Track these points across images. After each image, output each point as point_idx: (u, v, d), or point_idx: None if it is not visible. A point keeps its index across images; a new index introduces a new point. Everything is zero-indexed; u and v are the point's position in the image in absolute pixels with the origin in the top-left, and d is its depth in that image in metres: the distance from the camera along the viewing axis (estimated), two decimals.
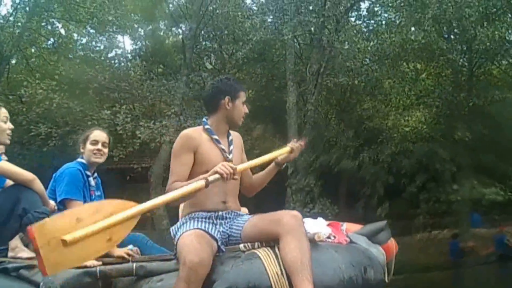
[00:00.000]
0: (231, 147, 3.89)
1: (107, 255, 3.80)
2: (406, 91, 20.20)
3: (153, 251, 4.37)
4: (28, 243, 3.97)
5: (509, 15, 16.94)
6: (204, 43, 21.79)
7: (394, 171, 18.45)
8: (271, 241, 3.46)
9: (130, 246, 4.14)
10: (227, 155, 3.80)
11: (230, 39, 21.04)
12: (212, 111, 3.91)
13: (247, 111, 3.91)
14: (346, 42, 18.47)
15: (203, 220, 3.65)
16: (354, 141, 19.41)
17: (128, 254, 3.98)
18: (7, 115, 4.07)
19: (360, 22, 20.93)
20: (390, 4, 18.05)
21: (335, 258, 3.40)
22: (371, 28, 20.24)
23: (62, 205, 4.12)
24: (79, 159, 4.55)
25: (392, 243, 4.24)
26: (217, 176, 3.38)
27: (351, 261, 3.47)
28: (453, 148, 18.60)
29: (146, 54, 22.93)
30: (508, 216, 19.12)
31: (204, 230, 3.45)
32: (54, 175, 4.36)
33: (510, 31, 17.51)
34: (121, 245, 3.96)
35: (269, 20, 18.14)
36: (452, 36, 17.67)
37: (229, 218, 3.75)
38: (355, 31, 19.37)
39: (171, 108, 18.34)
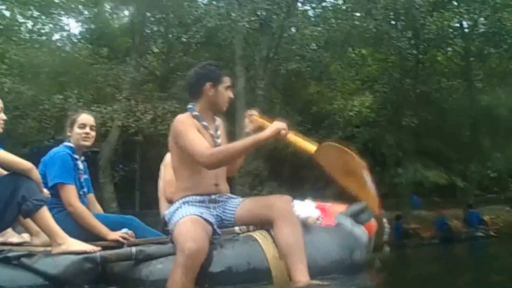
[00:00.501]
0: (218, 133, 3.92)
1: (101, 239, 3.91)
2: (352, 76, 20.63)
3: (146, 234, 4.35)
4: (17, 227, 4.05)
5: (455, 3, 17.42)
6: (151, 27, 21.65)
7: None
8: (260, 225, 3.57)
9: (125, 230, 4.11)
10: (216, 140, 3.83)
11: (177, 23, 20.89)
12: (196, 97, 3.88)
13: (231, 96, 3.88)
14: (293, 28, 18.74)
15: (197, 204, 3.67)
16: (301, 126, 19.69)
17: (124, 238, 3.99)
18: (2, 105, 4.12)
19: (308, 8, 21.06)
20: None
21: (326, 240, 3.53)
22: (318, 13, 20.40)
23: (54, 190, 4.11)
24: (66, 143, 4.49)
25: (373, 222, 4.30)
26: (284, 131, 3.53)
27: (341, 242, 3.61)
28: (399, 133, 19.03)
29: (92, 37, 22.54)
30: (448, 199, 19.78)
31: (200, 216, 3.44)
32: (42, 160, 4.32)
33: (455, 19, 18.09)
34: (115, 228, 4.06)
35: (222, 5, 18.07)
36: (400, 24, 18.03)
37: (222, 201, 3.79)
38: (303, 17, 19.55)
39: (121, 93, 18.23)
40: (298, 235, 3.38)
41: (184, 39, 19.98)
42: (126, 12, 22.44)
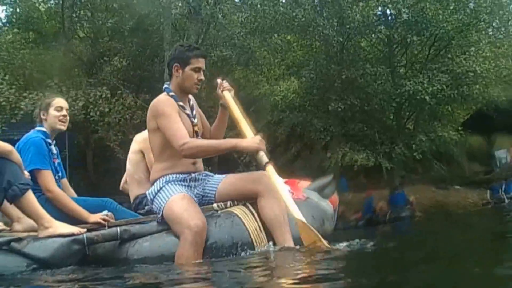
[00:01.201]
0: (194, 112, 4.08)
1: (81, 222, 3.99)
2: (278, 62, 20.93)
3: (123, 215, 4.43)
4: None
5: None
6: (78, 11, 21.20)
7: (270, 139, 19.13)
8: (244, 200, 3.81)
9: (105, 212, 4.20)
10: (193, 120, 4.00)
11: (103, 7, 20.73)
12: (170, 78, 4.06)
13: (202, 77, 3.99)
14: (220, 14, 18.77)
15: (180, 183, 3.85)
16: None
17: (104, 220, 4.06)
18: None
19: None
20: None
21: (299, 212, 3.70)
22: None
23: (31, 176, 4.09)
24: (39, 128, 4.48)
25: (335, 196, 4.59)
26: (263, 153, 3.72)
27: (312, 214, 3.88)
28: (326, 118, 19.48)
29: (18, 21, 21.99)
30: (375, 181, 20.41)
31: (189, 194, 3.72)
32: (17, 146, 4.21)
33: (380, 8, 18.61)
34: (93, 211, 4.16)
35: None
36: (326, 12, 18.41)
37: (202, 179, 3.97)
38: (231, 3, 19.71)
39: (52, 79, 17.86)
40: (283, 207, 3.62)
41: (110, 24, 19.76)
42: None
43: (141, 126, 18.29)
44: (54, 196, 4.12)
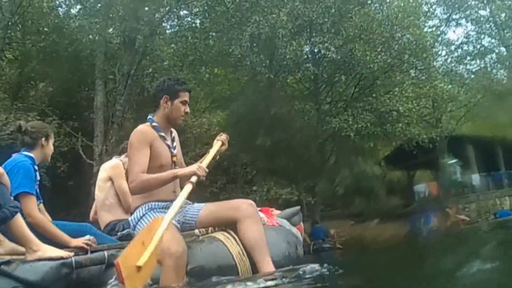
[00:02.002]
0: (174, 143, 4.21)
1: (62, 247, 3.92)
2: (204, 94, 21.34)
3: (104, 240, 4.45)
4: None
5: (308, 30, 18.60)
6: (10, 32, 20.62)
7: None
8: (225, 226, 3.99)
9: (88, 236, 4.18)
10: (173, 151, 4.12)
11: (34, 30, 20.37)
12: (155, 109, 4.18)
13: (188, 111, 4.16)
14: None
15: (161, 210, 3.95)
16: None
17: (86, 244, 4.04)
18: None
19: (167, 26, 21.41)
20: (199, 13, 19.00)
21: (276, 238, 3.96)
22: (175, 31, 20.90)
23: (16, 199, 3.95)
24: (26, 153, 4.37)
25: (301, 225, 4.80)
26: (196, 178, 3.79)
27: (288, 240, 4.13)
28: (253, 152, 19.83)
29: None
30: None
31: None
32: (3, 167, 4.00)
33: (308, 46, 19.28)
34: (73, 236, 4.13)
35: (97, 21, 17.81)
36: (257, 48, 18.87)
37: (182, 207, 4.01)
38: (164, 35, 20.01)
39: None
40: (262, 232, 3.85)
41: (39, 47, 19.65)
42: None
43: (68, 154, 18.29)
44: (36, 222, 4.06)
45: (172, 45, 19.74)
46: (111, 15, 17.81)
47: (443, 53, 27.53)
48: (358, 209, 23.77)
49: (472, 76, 26.61)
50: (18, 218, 3.64)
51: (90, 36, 19.19)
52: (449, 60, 27.82)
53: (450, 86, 22.80)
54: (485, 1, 27.60)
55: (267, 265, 3.73)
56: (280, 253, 3.95)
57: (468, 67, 28.01)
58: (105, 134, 18.28)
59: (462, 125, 27.03)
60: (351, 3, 18.11)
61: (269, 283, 3.32)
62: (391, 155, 24.33)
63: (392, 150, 24.35)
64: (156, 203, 3.98)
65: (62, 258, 3.62)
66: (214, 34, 19.40)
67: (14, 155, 4.30)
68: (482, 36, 28.87)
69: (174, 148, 4.18)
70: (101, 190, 5.52)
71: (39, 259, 3.58)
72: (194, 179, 3.81)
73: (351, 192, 22.88)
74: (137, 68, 18.52)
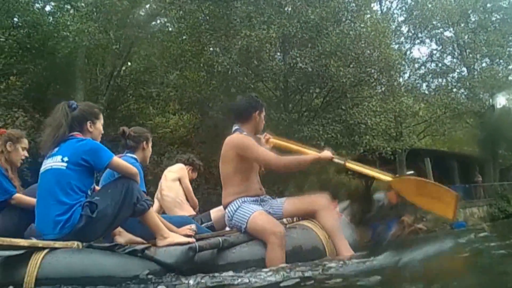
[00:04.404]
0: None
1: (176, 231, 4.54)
2: (174, 97, 22.47)
3: (199, 230, 5.00)
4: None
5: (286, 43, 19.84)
6: None
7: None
8: (306, 216, 4.81)
9: (191, 226, 4.77)
10: None
11: (8, 24, 20.26)
12: (244, 121, 5.00)
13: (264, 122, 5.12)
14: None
15: (255, 203, 4.75)
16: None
17: (189, 234, 4.56)
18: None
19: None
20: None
21: (343, 226, 4.88)
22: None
23: None
24: (131, 155, 5.17)
25: None
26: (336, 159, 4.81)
27: (349, 229, 5.06)
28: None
29: None
30: None
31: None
32: None
33: (285, 58, 20.45)
34: (178, 226, 4.70)
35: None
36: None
37: (267, 200, 4.88)
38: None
39: None
40: (337, 221, 4.68)
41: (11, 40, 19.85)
42: None
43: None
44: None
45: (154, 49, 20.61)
46: (100, 19, 18.51)
47: (408, 70, 29.28)
48: None
49: (434, 93, 28.30)
50: (151, 210, 4.31)
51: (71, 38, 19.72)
52: (412, 77, 29.73)
53: (412, 102, 24.14)
54: (449, 23, 29.35)
55: (345, 249, 4.52)
56: (350, 239, 4.74)
57: (430, 84, 29.86)
58: None
59: (421, 139, 28.82)
60: (327, 20, 19.37)
61: (353, 262, 4.10)
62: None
63: (354, 159, 25.61)
64: (247, 198, 4.77)
65: (188, 243, 4.17)
66: (186, 38, 20.44)
67: (119, 156, 4.76)
68: (445, 55, 30.74)
69: None
70: (171, 190, 6.40)
71: (169, 245, 4.18)
72: (340, 160, 4.84)
73: None
74: (119, 70, 19.42)
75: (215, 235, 4.79)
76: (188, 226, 4.73)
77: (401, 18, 30.12)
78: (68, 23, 19.60)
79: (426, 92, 29.12)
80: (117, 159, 4.27)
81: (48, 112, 14.34)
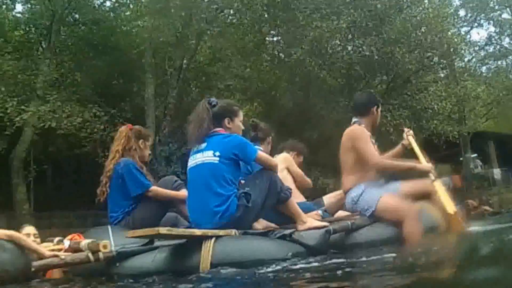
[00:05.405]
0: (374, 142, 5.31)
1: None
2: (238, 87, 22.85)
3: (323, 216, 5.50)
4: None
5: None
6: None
7: None
8: (420, 199, 5.08)
9: (320, 212, 5.38)
10: (375, 147, 5.21)
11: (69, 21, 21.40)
12: (363, 114, 5.37)
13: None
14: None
15: (377, 187, 5.07)
16: None
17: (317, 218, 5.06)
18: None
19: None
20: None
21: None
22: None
23: None
24: (258, 147, 5.39)
25: None
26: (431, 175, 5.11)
27: None
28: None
29: None
30: None
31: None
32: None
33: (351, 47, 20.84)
34: (305, 211, 4.99)
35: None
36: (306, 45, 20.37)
37: (382, 184, 5.19)
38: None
39: (51, 92, 18.27)
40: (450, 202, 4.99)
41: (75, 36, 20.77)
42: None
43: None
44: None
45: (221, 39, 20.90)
46: (166, 14, 18.87)
47: (468, 54, 29.13)
48: None
49: (494, 75, 28.47)
50: (292, 198, 4.66)
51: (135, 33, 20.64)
52: (473, 60, 29.71)
53: (475, 85, 24.43)
54: (506, 4, 29.34)
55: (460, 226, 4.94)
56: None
57: (490, 67, 29.84)
58: (156, 125, 19.45)
59: (484, 122, 28.86)
60: (391, 7, 19.75)
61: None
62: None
63: (420, 144, 25.85)
64: (369, 182, 5.09)
65: (324, 226, 4.51)
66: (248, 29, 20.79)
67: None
68: (503, 37, 30.64)
69: (375, 145, 5.27)
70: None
71: (309, 229, 4.53)
72: (431, 176, 5.09)
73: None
74: (189, 64, 20.05)
75: (333, 220, 5.29)
76: (314, 212, 5.28)
77: (458, 2, 30.13)
78: (130, 18, 20.70)
79: (488, 75, 29.17)
80: (260, 153, 4.65)
81: (118, 107, 14.90)
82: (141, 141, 5.51)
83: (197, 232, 4.21)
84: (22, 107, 17.11)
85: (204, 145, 4.58)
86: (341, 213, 5.57)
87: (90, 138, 18.61)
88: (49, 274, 4.61)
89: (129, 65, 21.86)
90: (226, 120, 4.73)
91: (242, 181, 4.65)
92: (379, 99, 5.66)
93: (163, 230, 4.07)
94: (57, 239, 5.00)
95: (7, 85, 18.25)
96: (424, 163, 5.32)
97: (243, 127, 4.91)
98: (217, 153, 4.48)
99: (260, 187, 4.45)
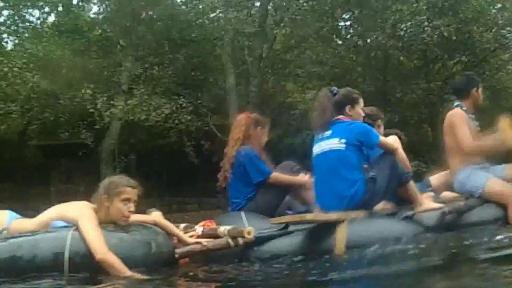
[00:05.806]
0: (476, 123, 5.57)
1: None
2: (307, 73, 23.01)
3: None
4: None
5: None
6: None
7: None
8: None
9: (431, 193, 5.63)
10: (477, 129, 5.47)
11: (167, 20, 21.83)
12: (464, 97, 5.63)
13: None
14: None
15: (482, 170, 5.38)
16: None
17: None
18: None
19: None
20: None
21: None
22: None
23: None
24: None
25: None
26: None
27: None
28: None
29: (66, 29, 22.81)
30: None
31: None
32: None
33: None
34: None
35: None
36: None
37: (488, 167, 5.50)
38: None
39: (138, 87, 19.30)
40: None
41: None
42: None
43: (208, 133, 20.52)
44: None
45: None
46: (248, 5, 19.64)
47: None
48: None
49: None
50: (411, 181, 4.98)
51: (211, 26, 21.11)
52: None
53: None
54: None
55: None
56: None
57: None
58: (239, 113, 19.43)
59: None
60: None
61: None
62: None
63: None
64: (475, 165, 5.42)
65: (440, 208, 4.89)
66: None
67: None
68: None
69: (476, 127, 5.55)
70: None
71: (427, 210, 4.90)
72: None
73: None
74: (268, 53, 20.41)
75: (446, 201, 5.52)
76: (427, 194, 5.50)
77: None
78: (204, 11, 21.35)
79: None
80: (382, 138, 4.96)
81: (199, 98, 16.18)
82: (259, 128, 5.75)
83: (334, 216, 4.56)
84: (111, 102, 18.00)
85: (329, 132, 4.92)
86: (446, 194, 5.85)
87: (176, 128, 19.51)
88: (183, 262, 4.51)
89: (205, 57, 22.52)
90: (347, 108, 5.02)
91: (365, 166, 4.88)
92: (478, 80, 5.90)
93: (309, 216, 4.67)
94: (182, 225, 5.00)
95: (95, 82, 19.07)
96: None
97: (363, 114, 5.18)
98: (343, 140, 4.81)
99: (383, 171, 4.76)
